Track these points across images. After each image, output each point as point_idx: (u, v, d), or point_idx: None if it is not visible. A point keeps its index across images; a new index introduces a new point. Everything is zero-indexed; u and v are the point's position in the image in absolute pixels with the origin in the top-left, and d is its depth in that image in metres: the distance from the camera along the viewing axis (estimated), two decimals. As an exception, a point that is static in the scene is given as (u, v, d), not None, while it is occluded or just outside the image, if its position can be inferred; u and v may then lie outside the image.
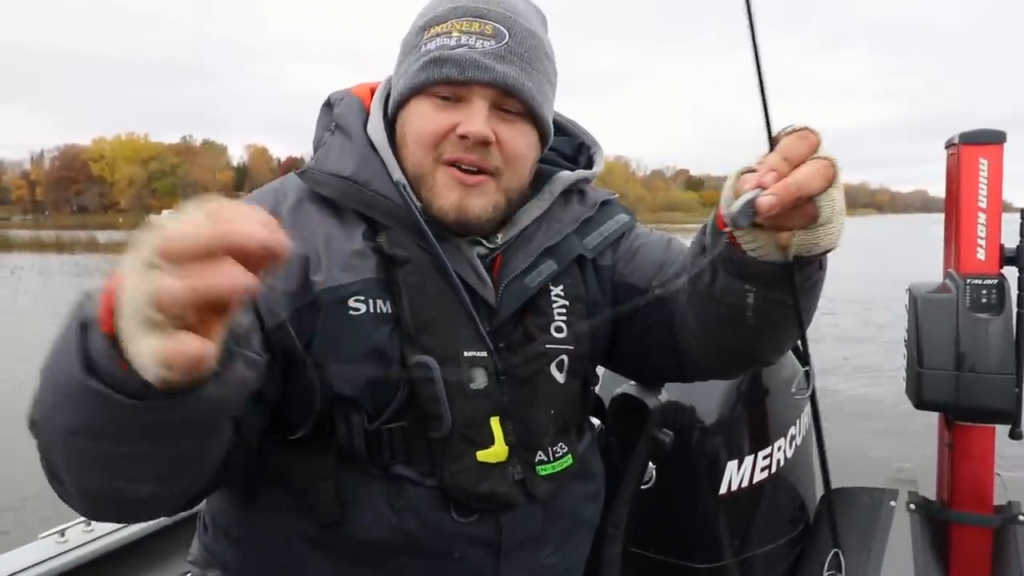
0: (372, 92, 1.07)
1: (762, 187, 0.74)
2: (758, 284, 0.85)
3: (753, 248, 0.82)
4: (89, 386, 0.59)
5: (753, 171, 0.77)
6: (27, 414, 0.72)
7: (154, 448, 0.66)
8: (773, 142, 0.76)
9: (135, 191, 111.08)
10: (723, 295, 0.88)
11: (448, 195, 0.95)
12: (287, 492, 0.95)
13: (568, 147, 1.15)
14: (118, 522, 1.71)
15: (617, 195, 1.15)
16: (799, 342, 1.00)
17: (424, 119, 0.96)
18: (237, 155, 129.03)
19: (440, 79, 0.94)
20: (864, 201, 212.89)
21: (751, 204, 0.73)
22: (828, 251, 0.80)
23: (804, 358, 0.87)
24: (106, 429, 0.63)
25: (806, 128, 0.75)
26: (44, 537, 1.77)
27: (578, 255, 1.05)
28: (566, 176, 1.08)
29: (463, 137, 0.93)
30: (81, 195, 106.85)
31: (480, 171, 0.95)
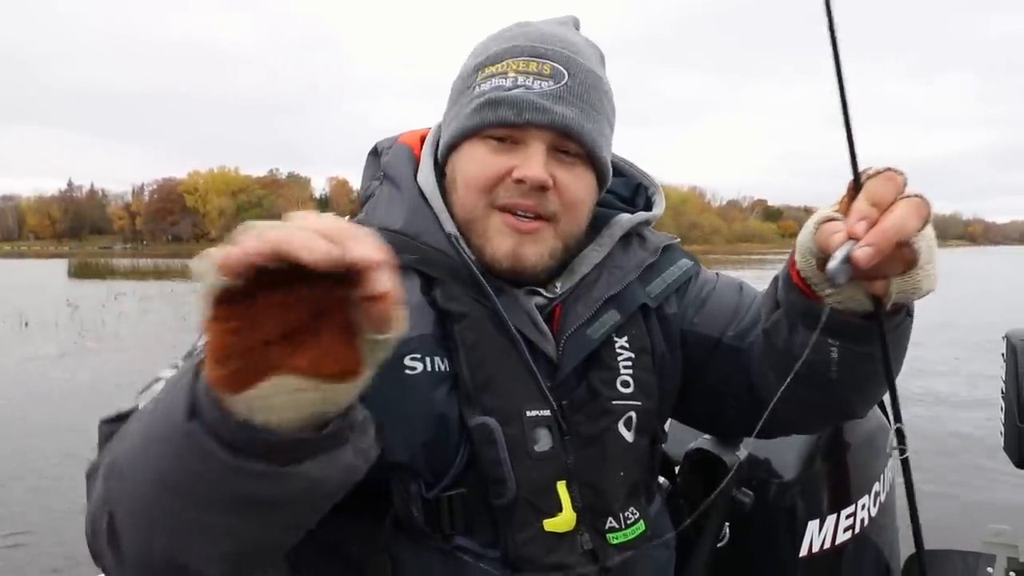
0: (421, 139, 1.03)
1: (854, 237, 0.67)
2: (842, 338, 0.80)
3: (839, 300, 0.76)
4: (189, 430, 0.55)
5: (833, 219, 0.72)
6: (90, 462, 0.70)
7: (238, 522, 0.60)
8: (856, 186, 0.70)
9: (225, 221, 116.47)
10: (803, 351, 0.82)
11: (502, 242, 0.90)
12: (341, 564, 0.90)
13: (625, 188, 1.10)
14: None
15: (679, 239, 1.10)
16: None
17: (477, 162, 0.91)
18: (320, 187, 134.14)
19: (496, 121, 0.90)
20: (956, 232, 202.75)
21: (847, 259, 0.67)
22: (927, 294, 0.74)
23: (895, 415, 0.79)
24: (195, 487, 0.58)
25: (890, 168, 0.69)
26: None
27: (641, 304, 1.00)
28: (626, 219, 1.02)
29: (519, 182, 0.89)
30: (176, 225, 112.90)
31: (537, 217, 0.91)
